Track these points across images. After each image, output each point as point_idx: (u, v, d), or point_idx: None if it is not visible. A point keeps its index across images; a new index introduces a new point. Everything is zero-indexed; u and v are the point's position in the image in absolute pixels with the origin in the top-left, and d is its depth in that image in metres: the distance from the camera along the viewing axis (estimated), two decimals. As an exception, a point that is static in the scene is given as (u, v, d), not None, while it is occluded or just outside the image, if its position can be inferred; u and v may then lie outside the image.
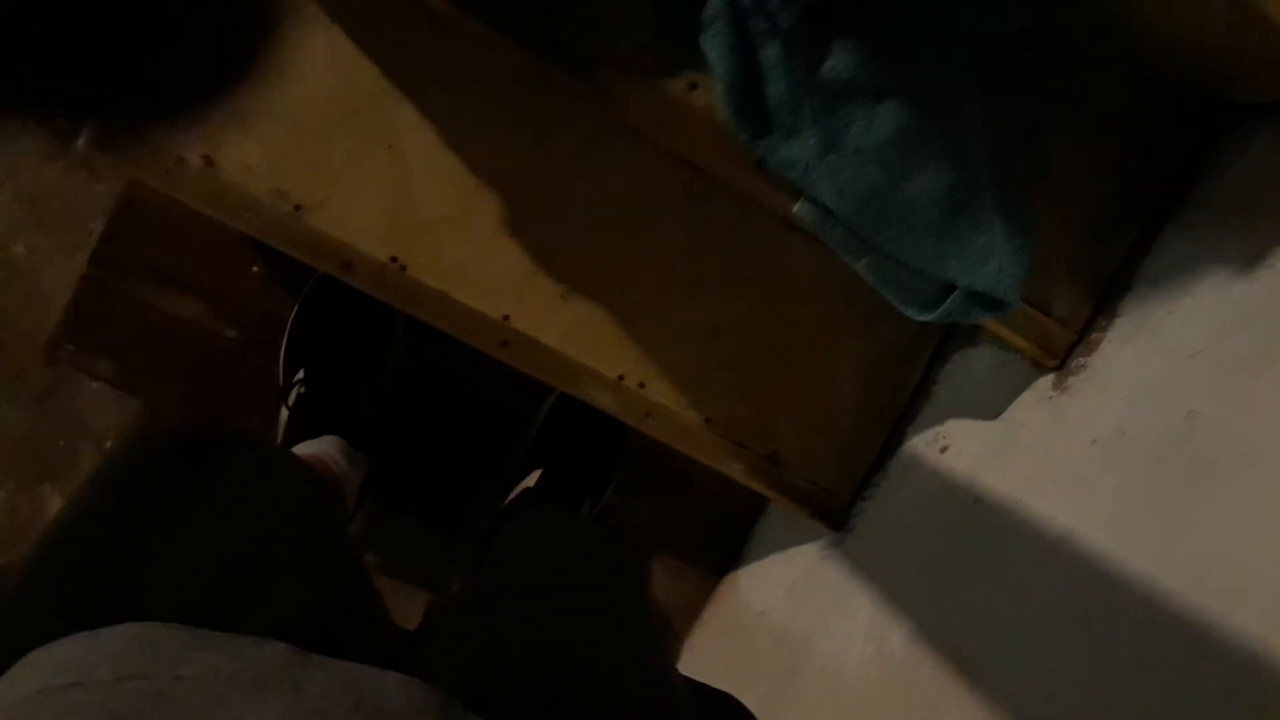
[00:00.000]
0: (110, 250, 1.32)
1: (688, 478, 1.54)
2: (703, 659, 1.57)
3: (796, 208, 0.99)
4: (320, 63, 1.06)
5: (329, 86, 1.07)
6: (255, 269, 1.34)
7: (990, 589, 1.05)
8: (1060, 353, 1.09)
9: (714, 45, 0.92)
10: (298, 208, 1.10)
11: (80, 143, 1.06)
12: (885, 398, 1.29)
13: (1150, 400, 0.96)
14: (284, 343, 1.33)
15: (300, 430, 1.29)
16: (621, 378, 1.22)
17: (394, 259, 1.13)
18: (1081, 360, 1.08)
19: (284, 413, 1.31)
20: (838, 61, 0.94)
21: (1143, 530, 0.89)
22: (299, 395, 1.30)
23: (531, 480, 1.40)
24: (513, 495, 1.42)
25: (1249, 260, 0.93)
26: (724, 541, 1.61)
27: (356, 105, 1.08)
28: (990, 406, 1.18)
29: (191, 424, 1.35)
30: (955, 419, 1.23)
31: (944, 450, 1.23)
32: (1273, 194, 0.95)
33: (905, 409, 1.31)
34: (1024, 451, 1.10)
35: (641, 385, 1.23)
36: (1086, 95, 1.05)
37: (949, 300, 1.02)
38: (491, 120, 1.10)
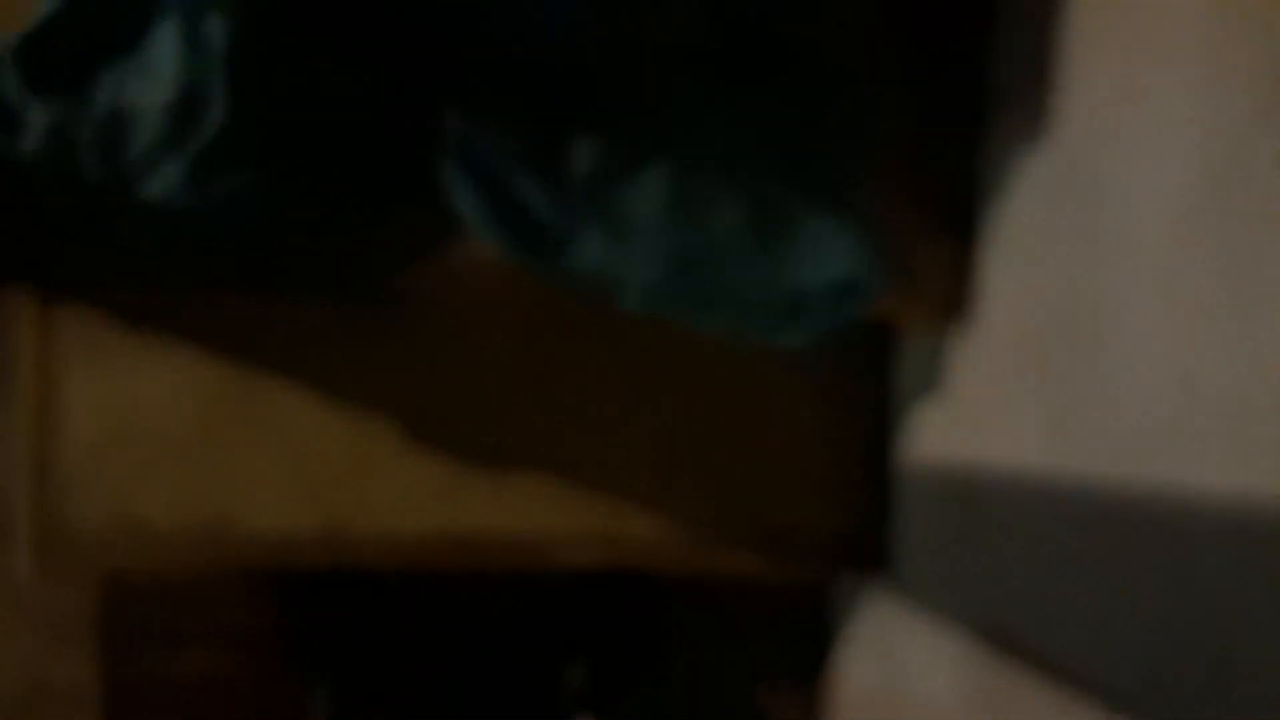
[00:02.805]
0: (115, 638, 1.38)
1: (744, 605, 1.49)
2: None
3: (622, 302, 1.00)
4: (171, 388, 1.12)
5: (194, 404, 1.13)
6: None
7: (1004, 552, 0.99)
8: (956, 299, 1.06)
9: (466, 201, 0.96)
10: (226, 520, 1.15)
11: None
12: (850, 422, 1.25)
13: (1024, 299, 0.93)
14: (295, 665, 1.37)
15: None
16: (591, 529, 1.21)
17: (329, 524, 1.16)
18: (975, 297, 1.05)
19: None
20: (582, 155, 0.97)
21: (1064, 422, 0.84)
22: (330, 704, 1.33)
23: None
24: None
25: (1039, 128, 0.92)
26: (812, 643, 1.54)
27: (228, 407, 1.14)
28: (936, 382, 1.14)
29: None
30: (920, 410, 1.19)
31: (923, 445, 1.18)
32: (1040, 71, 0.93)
33: (878, 424, 1.27)
34: (971, 407, 1.06)
35: (617, 528, 1.21)
36: (834, 67, 1.05)
37: (811, 308, 1.00)
38: (346, 360, 1.15)
